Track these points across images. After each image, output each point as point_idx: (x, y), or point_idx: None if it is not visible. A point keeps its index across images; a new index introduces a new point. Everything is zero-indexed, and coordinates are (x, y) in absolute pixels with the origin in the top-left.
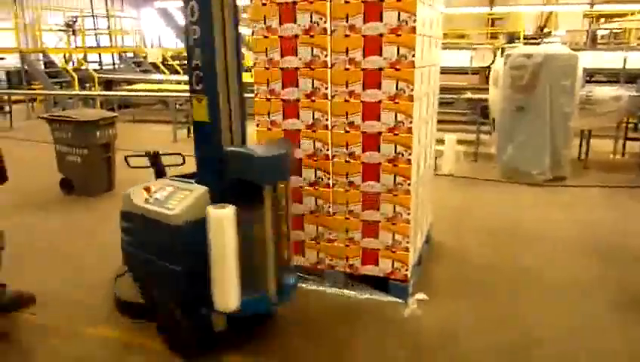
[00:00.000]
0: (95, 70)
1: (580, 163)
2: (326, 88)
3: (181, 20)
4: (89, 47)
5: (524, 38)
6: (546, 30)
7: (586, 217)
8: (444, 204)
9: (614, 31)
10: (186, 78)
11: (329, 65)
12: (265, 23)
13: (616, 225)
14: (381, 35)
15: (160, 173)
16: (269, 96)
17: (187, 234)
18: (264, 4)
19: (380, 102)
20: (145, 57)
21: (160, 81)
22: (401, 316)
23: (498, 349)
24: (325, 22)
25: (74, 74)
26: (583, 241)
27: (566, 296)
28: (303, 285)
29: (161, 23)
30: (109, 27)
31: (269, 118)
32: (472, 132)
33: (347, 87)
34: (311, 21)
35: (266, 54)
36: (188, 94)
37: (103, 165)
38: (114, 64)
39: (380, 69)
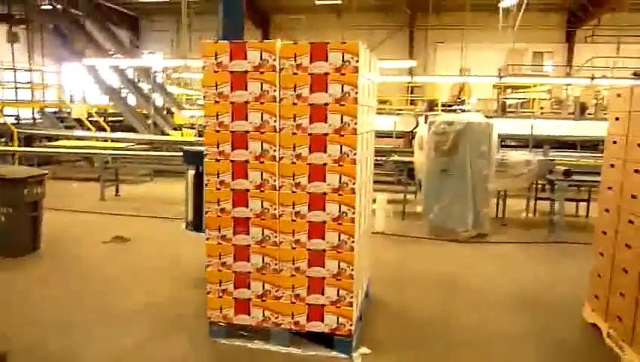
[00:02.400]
0: (13, 125)
1: (498, 221)
2: (274, 151)
3: (108, 78)
4: (7, 101)
5: (442, 106)
6: (460, 99)
7: (509, 271)
8: (379, 260)
9: (521, 100)
10: (112, 135)
11: (278, 130)
12: (217, 89)
13: (538, 278)
14: (326, 104)
15: None
16: (218, 157)
17: None
18: (216, 72)
19: (325, 164)
20: (69, 113)
21: (84, 138)
22: None
23: None
24: (275, 90)
25: None
26: (510, 294)
27: (498, 343)
28: (249, 345)
29: (87, 78)
30: (30, 81)
31: (217, 178)
32: (399, 192)
33: (294, 150)
34: (261, 89)
35: (217, 118)
36: (116, 151)
37: (28, 224)
38: (34, 119)
39: (325, 135)
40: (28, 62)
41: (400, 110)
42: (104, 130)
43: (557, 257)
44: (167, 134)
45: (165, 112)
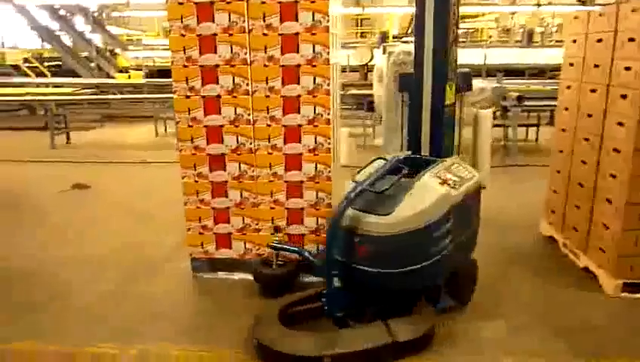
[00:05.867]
0: None
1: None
2: (247, 85)
3: (43, 20)
4: None
5: (394, 37)
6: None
7: None
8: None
9: (469, 30)
10: (55, 80)
11: (249, 63)
12: (182, 22)
13: (495, 199)
14: (297, 33)
15: None
16: (188, 94)
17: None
18: (181, 4)
19: (299, 96)
20: (2, 59)
21: (25, 85)
22: None
23: None
24: (244, 21)
25: None
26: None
27: None
28: (232, 276)
29: (19, 21)
30: None
31: (189, 114)
32: (358, 126)
33: (267, 83)
34: (229, 21)
35: (184, 52)
36: (63, 97)
37: None
38: None
39: (298, 66)
40: None
41: (353, 44)
42: (44, 75)
43: (512, 179)
44: (113, 77)
45: (109, 54)
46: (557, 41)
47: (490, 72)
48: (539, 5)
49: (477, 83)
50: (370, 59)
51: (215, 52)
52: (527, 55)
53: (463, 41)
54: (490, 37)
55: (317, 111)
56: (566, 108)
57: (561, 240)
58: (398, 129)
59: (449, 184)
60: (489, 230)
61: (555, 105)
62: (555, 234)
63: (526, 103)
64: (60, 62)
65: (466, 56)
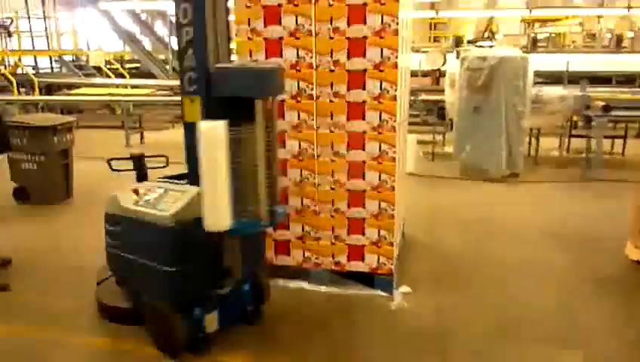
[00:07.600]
0: (33, 74)
1: (530, 159)
2: (311, 89)
3: (125, 23)
4: (25, 50)
5: (469, 42)
6: (491, 32)
7: (544, 209)
8: (413, 201)
9: (551, 35)
10: (133, 81)
11: (314, 67)
12: (249, 25)
13: (575, 217)
14: (365, 37)
15: (142, 176)
16: None
17: (180, 235)
18: (248, 7)
19: (364, 102)
20: (86, 60)
21: (105, 85)
22: (389, 309)
23: (486, 332)
24: (310, 24)
25: (12, 78)
26: (547, 232)
27: (536, 280)
28: (290, 284)
29: (102, 24)
30: (46, 29)
31: None
32: (427, 132)
33: (332, 88)
34: (296, 23)
35: (250, 55)
36: (139, 98)
37: (60, 172)
38: (52, 68)
39: (365, 71)
40: (42, 10)
41: (425, 48)
42: (123, 76)
43: (594, 195)
44: None
45: None
46: None
47: (574, 79)
48: (629, 8)
49: (556, 91)
50: (443, 64)
51: (281, 55)
52: (615, 61)
53: (544, 47)
54: (574, 42)
55: (382, 118)
56: None
57: None
58: (469, 136)
59: (141, 198)
60: (568, 251)
61: None
62: None
63: (613, 113)
64: (139, 65)
65: (545, 62)
